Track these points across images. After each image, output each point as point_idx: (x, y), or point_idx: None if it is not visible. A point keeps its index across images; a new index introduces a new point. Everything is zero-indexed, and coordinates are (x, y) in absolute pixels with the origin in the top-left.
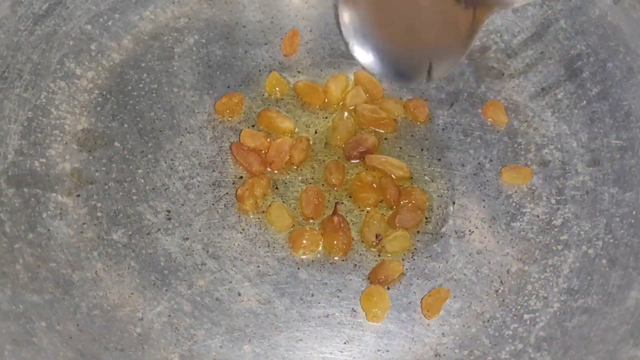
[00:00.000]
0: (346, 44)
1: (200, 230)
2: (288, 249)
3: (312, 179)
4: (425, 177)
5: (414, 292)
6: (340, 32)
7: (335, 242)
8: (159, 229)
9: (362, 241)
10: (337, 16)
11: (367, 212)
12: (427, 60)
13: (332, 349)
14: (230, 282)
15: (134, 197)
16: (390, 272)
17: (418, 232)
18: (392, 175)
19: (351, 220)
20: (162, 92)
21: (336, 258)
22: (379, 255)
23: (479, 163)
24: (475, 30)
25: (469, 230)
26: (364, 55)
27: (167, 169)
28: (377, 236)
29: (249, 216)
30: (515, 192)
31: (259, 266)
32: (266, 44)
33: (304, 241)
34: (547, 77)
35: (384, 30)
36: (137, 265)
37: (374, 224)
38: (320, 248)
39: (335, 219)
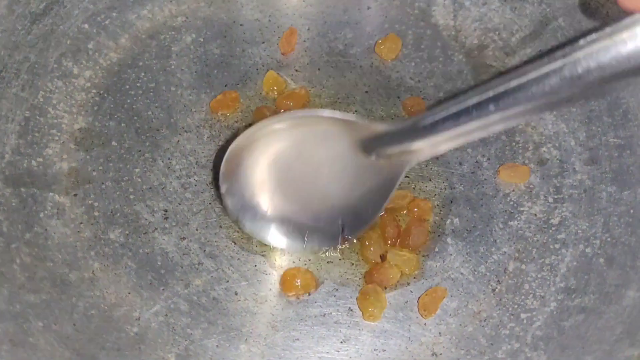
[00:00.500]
0: (235, 222)
1: (197, 230)
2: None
3: None
4: (423, 176)
5: (411, 292)
6: (226, 209)
7: None
8: (156, 229)
9: (364, 261)
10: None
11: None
12: (338, 221)
13: (328, 348)
14: (227, 281)
15: (131, 197)
16: (386, 277)
17: None
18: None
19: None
20: (159, 91)
21: (333, 254)
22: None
23: (476, 162)
24: (392, 183)
25: (466, 229)
26: (264, 232)
27: (164, 168)
28: (381, 257)
29: None
30: (513, 190)
31: (255, 265)
32: (264, 43)
33: (296, 282)
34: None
35: (283, 200)
36: (134, 265)
37: (376, 244)
38: (313, 290)
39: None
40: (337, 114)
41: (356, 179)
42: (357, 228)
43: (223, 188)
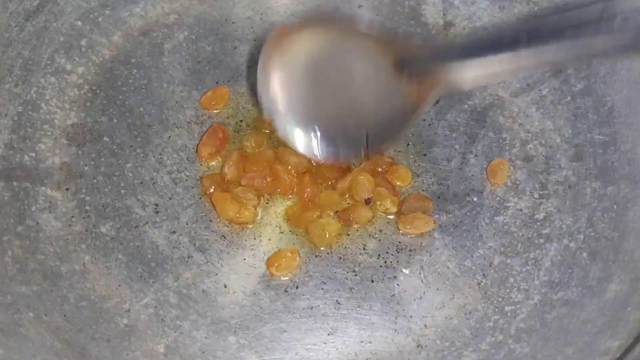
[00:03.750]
0: (270, 120)
1: (187, 224)
2: (275, 243)
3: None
4: (411, 172)
5: (398, 285)
6: (261, 108)
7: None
8: (147, 222)
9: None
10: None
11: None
12: (363, 133)
13: (315, 340)
14: (217, 274)
15: (123, 191)
16: (360, 217)
17: None
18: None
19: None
20: (151, 88)
21: (322, 249)
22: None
23: (464, 158)
24: (417, 108)
25: (453, 224)
26: (290, 134)
27: (156, 163)
28: (366, 200)
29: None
30: (500, 186)
31: (245, 259)
32: (255, 40)
33: (280, 262)
34: (532, 73)
35: (313, 104)
36: (125, 258)
37: (364, 187)
38: (297, 269)
39: None
40: (374, 31)
41: (384, 97)
42: (379, 144)
43: (259, 85)
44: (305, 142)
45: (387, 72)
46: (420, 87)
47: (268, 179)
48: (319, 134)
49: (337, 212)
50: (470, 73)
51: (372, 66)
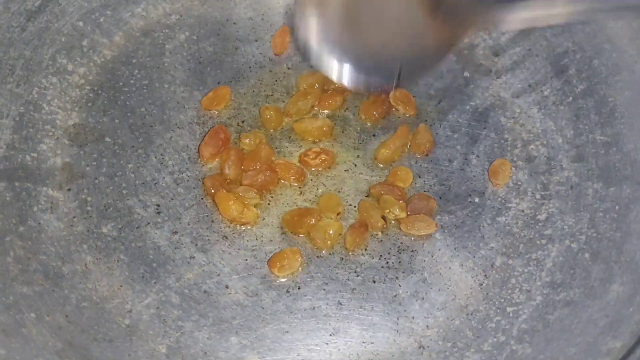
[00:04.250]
0: (303, 53)
1: (189, 224)
2: (276, 244)
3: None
4: (412, 173)
5: (400, 285)
6: (297, 40)
7: None
8: (149, 223)
9: (371, 228)
10: (294, 26)
11: (360, 201)
12: (397, 64)
13: (317, 340)
14: (218, 275)
15: (124, 192)
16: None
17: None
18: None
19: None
20: (152, 88)
21: (323, 252)
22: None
23: (465, 159)
24: (449, 46)
25: (455, 225)
26: (323, 61)
27: (157, 164)
28: (383, 217)
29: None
30: (502, 187)
31: (246, 259)
32: (256, 41)
33: (282, 263)
34: (534, 74)
35: (349, 33)
36: (127, 258)
37: (375, 210)
38: (299, 270)
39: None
40: None
41: (418, 31)
42: (412, 76)
43: (297, 18)
44: (337, 70)
45: (422, 9)
46: (454, 26)
47: (268, 174)
48: (350, 61)
49: (338, 213)
50: (506, 16)
51: (409, 5)
